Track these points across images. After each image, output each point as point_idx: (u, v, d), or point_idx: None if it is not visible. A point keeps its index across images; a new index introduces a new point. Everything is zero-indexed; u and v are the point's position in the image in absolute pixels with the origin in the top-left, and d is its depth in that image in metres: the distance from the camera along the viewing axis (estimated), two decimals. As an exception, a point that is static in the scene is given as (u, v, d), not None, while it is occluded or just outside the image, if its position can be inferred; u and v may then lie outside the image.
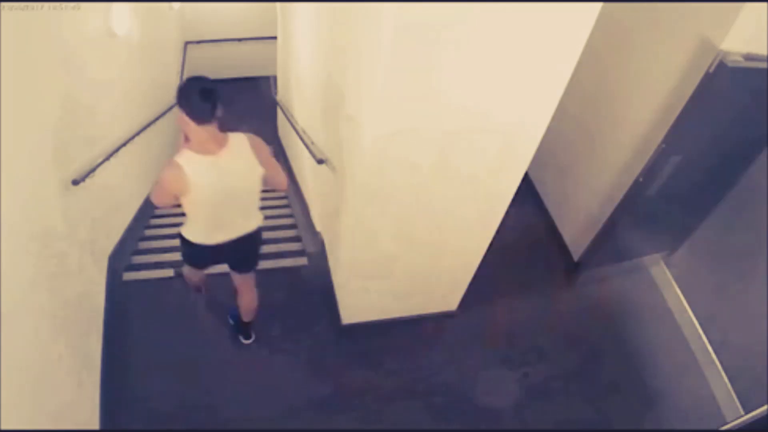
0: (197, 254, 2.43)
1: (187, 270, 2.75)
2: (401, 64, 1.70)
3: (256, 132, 2.26)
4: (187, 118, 1.96)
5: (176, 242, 3.76)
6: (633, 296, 3.45)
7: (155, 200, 2.14)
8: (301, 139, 3.61)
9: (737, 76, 2.25)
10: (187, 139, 2.05)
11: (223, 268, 2.64)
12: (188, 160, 1.98)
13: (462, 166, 2.14)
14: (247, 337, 2.96)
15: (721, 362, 2.95)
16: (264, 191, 2.33)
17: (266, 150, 2.18)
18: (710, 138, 2.58)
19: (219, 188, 2.06)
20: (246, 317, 2.81)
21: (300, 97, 4.05)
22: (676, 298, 3.30)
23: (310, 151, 3.21)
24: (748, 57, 2.24)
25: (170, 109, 5.32)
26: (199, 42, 7.27)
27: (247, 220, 2.34)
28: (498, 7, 1.57)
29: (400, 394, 2.86)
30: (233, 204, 2.19)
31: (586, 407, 2.90)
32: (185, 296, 3.22)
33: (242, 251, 2.43)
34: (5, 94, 1.86)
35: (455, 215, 2.42)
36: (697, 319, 3.15)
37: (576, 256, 3.49)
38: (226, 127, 2.06)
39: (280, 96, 5.46)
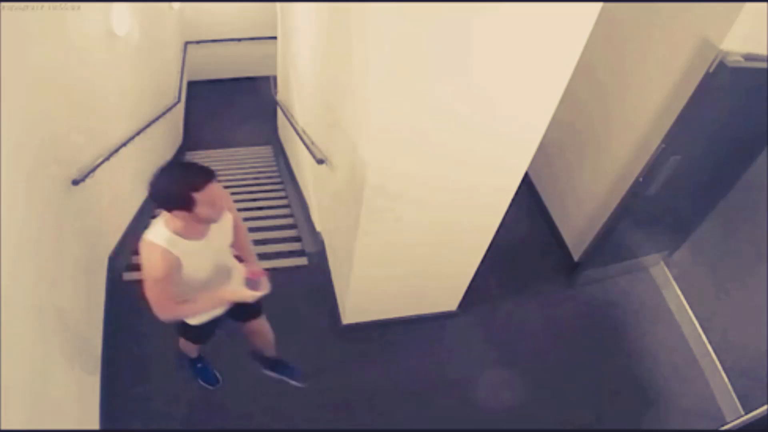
0: (204, 332, 2.25)
1: (185, 344, 2.54)
2: (400, 65, 1.70)
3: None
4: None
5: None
6: (633, 296, 3.45)
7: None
8: (301, 139, 3.62)
9: (737, 76, 2.25)
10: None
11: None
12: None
13: (462, 166, 2.14)
14: (295, 376, 2.74)
15: (721, 362, 2.95)
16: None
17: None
18: (710, 138, 2.58)
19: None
20: (270, 353, 2.66)
21: (300, 97, 4.05)
22: (676, 298, 3.30)
23: (310, 151, 3.21)
24: (748, 57, 2.24)
25: (170, 109, 5.34)
26: (199, 42, 7.27)
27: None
28: (498, 7, 1.57)
29: (399, 393, 2.86)
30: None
31: (586, 407, 2.90)
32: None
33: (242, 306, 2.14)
34: (5, 94, 1.86)
35: (455, 215, 2.42)
36: (697, 319, 3.15)
37: (576, 256, 3.49)
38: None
39: (280, 96, 5.47)
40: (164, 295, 1.74)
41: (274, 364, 2.74)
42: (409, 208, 2.32)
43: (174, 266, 1.71)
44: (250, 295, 1.88)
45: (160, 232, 1.71)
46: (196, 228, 1.75)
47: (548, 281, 3.53)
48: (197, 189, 1.60)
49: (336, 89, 2.58)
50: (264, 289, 1.91)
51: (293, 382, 2.75)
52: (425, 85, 1.78)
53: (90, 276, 2.85)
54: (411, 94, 1.81)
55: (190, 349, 2.59)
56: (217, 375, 2.77)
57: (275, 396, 2.79)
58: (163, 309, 1.77)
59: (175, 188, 1.62)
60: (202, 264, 1.85)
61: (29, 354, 1.92)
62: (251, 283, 1.90)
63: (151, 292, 1.73)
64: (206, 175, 1.63)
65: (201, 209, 1.64)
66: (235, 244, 2.06)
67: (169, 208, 1.67)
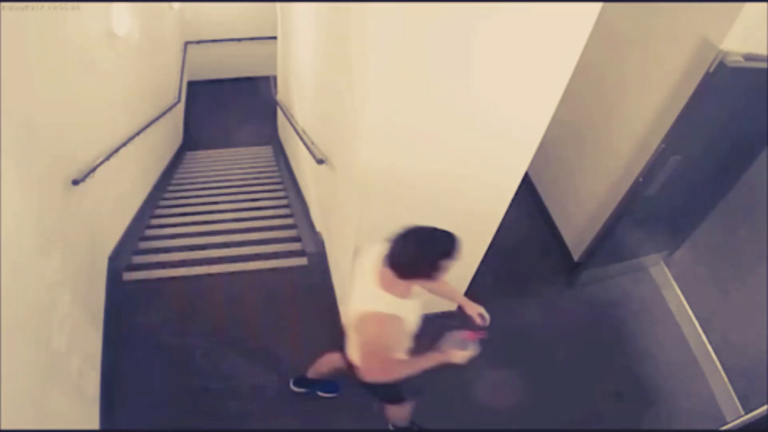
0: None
1: (403, 410, 2.41)
2: (400, 65, 1.70)
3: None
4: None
5: (176, 242, 3.81)
6: (633, 296, 3.45)
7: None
8: (301, 139, 3.62)
9: (737, 76, 2.25)
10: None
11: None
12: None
13: (462, 166, 2.14)
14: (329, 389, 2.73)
15: (721, 362, 2.95)
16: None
17: None
18: (710, 138, 2.58)
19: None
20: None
21: (300, 97, 4.05)
22: (676, 298, 3.30)
23: (310, 151, 3.21)
24: (748, 57, 2.24)
25: (170, 109, 5.34)
26: (199, 42, 7.27)
27: None
28: (498, 7, 1.57)
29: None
30: None
31: (586, 407, 2.90)
32: (184, 296, 3.22)
33: None
34: (5, 94, 1.86)
35: (455, 215, 2.41)
36: (697, 319, 3.15)
37: (576, 256, 3.49)
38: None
39: (280, 96, 5.47)
40: (389, 358, 1.70)
41: (309, 381, 2.69)
42: (408, 208, 2.31)
43: (403, 330, 1.67)
44: (463, 357, 1.78)
45: (383, 298, 1.64)
46: (408, 286, 1.69)
47: (548, 281, 3.53)
48: (450, 256, 1.54)
49: (336, 89, 2.58)
50: (474, 350, 1.80)
51: (326, 395, 2.73)
52: (425, 86, 1.78)
53: (90, 276, 2.85)
54: (411, 94, 1.81)
55: (403, 415, 2.42)
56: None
57: (275, 396, 2.79)
58: (388, 372, 1.74)
59: (430, 258, 1.53)
60: (414, 320, 1.79)
61: (29, 354, 1.92)
62: (463, 343, 1.79)
63: (377, 360, 1.69)
64: (455, 241, 1.54)
65: (442, 273, 1.57)
66: (442, 292, 2.05)
67: (411, 276, 1.59)
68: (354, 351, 1.85)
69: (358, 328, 1.68)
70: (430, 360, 1.80)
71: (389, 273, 1.60)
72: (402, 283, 1.63)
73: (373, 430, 2.72)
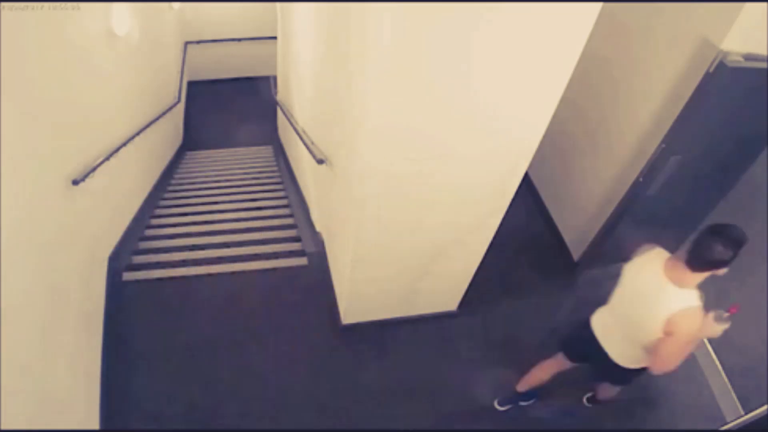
0: None
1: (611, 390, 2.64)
2: (399, 65, 1.70)
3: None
4: None
5: (176, 242, 3.81)
6: (633, 296, 3.44)
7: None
8: (301, 139, 3.62)
9: (737, 76, 2.25)
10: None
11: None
12: None
13: (462, 165, 2.14)
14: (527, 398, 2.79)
15: (721, 362, 2.95)
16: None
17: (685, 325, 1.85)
18: (710, 138, 2.58)
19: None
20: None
21: (300, 97, 4.05)
22: (676, 298, 3.30)
23: (310, 151, 3.21)
24: (748, 57, 2.25)
25: (170, 109, 5.34)
26: (199, 42, 7.28)
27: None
28: (498, 7, 1.57)
29: (399, 394, 2.86)
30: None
31: (586, 407, 2.90)
32: (184, 296, 3.22)
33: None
34: (5, 94, 1.86)
35: (455, 215, 2.42)
36: (697, 319, 3.14)
37: (576, 256, 3.49)
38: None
39: (280, 96, 5.47)
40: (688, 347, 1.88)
41: (514, 396, 2.79)
42: (408, 208, 2.32)
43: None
44: (721, 331, 1.91)
45: (692, 294, 1.86)
46: (699, 278, 1.88)
47: (548, 281, 3.52)
48: (743, 245, 1.77)
49: (335, 89, 2.58)
50: (728, 324, 1.91)
51: (527, 403, 2.82)
52: (425, 85, 1.78)
53: (90, 276, 2.85)
54: (410, 94, 1.81)
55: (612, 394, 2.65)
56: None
57: (275, 396, 2.79)
58: (682, 359, 1.92)
59: (735, 252, 1.77)
60: None
61: (29, 354, 1.92)
62: (726, 318, 1.89)
63: (682, 350, 1.89)
64: (744, 234, 1.76)
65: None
66: None
67: (711, 268, 1.82)
68: (653, 350, 2.00)
69: (677, 326, 1.82)
70: (697, 338, 1.93)
71: (680, 268, 1.85)
72: (695, 276, 1.83)
73: (372, 430, 2.72)
